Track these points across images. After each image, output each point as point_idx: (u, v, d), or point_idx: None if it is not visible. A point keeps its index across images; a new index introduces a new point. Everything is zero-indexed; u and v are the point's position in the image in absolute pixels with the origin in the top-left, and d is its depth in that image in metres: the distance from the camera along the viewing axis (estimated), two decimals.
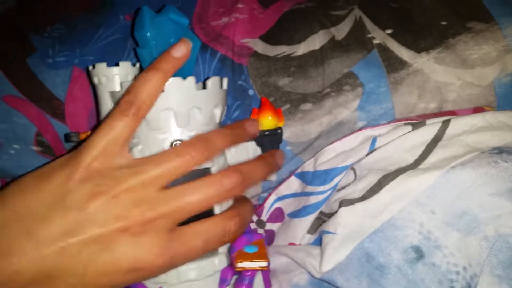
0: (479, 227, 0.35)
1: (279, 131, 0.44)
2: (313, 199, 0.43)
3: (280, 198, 0.47)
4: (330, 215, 0.41)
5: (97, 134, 0.33)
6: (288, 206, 0.47)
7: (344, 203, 0.40)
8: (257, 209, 0.48)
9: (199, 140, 0.35)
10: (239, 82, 0.48)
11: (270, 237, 0.48)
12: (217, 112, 0.39)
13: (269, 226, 0.48)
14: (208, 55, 0.48)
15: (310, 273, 0.41)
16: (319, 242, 0.41)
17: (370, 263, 0.38)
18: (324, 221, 0.42)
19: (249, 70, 0.48)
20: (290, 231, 0.46)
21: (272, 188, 0.48)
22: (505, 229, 0.35)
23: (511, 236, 0.34)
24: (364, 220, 0.39)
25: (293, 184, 0.46)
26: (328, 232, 0.40)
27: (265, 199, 0.48)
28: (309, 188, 0.45)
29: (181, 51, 0.37)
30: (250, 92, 0.48)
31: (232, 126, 0.39)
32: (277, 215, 0.48)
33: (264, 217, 0.48)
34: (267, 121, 0.43)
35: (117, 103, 0.34)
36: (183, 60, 0.37)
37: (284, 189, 0.47)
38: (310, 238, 0.45)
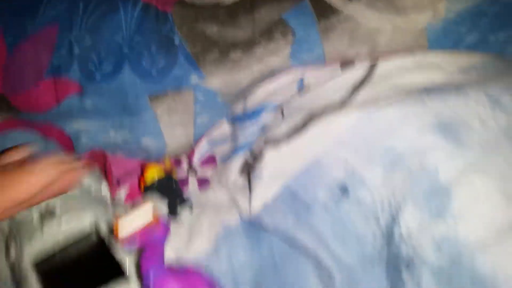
0: (403, 162, 0.36)
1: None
2: (242, 139, 0.43)
3: (212, 144, 0.46)
4: (258, 155, 0.41)
5: None
6: (219, 151, 0.47)
7: (269, 143, 0.40)
8: (189, 154, 0.48)
9: None
10: (164, 31, 0.46)
11: (204, 184, 0.47)
12: None
13: (201, 173, 0.47)
14: (130, 3, 0.46)
15: (240, 213, 0.41)
16: (248, 184, 0.41)
17: (295, 202, 0.38)
18: (254, 161, 0.42)
19: (175, 18, 0.46)
20: (223, 174, 0.45)
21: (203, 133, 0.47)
22: (428, 162, 0.35)
23: (431, 168, 0.34)
24: (289, 161, 0.38)
25: (224, 129, 0.46)
26: (255, 175, 0.39)
27: (196, 143, 0.47)
28: (239, 129, 0.44)
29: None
30: (176, 41, 0.46)
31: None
32: (209, 162, 0.47)
33: (196, 163, 0.47)
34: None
35: None
36: None
37: (215, 134, 0.46)
38: (243, 179, 0.44)
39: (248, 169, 0.43)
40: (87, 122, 0.45)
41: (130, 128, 0.45)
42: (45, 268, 0.33)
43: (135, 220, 0.28)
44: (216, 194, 0.44)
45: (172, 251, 0.39)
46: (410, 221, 0.34)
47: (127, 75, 0.42)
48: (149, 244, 0.30)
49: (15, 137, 0.45)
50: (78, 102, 0.43)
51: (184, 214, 0.42)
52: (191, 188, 0.46)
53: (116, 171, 0.47)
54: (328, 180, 0.38)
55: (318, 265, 0.37)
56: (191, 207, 0.41)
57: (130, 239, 0.27)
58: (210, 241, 0.39)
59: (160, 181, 0.43)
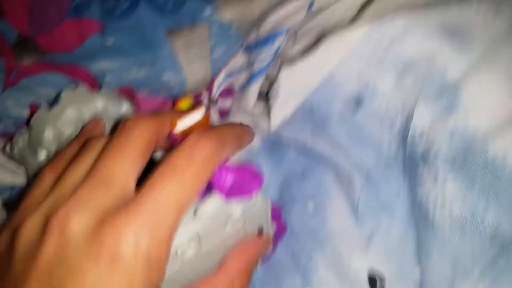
0: (413, 67, 0.37)
1: None
2: (257, 66, 0.44)
3: (229, 75, 0.49)
4: (274, 78, 0.43)
5: None
6: (236, 81, 0.49)
7: (285, 63, 0.42)
8: (208, 86, 0.50)
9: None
10: None
11: (224, 116, 0.49)
12: None
13: (220, 103, 0.50)
14: None
15: (261, 134, 0.43)
16: (267, 106, 0.43)
17: (313, 117, 0.40)
18: (270, 85, 0.44)
19: None
20: (242, 101, 0.47)
21: (220, 68, 0.49)
22: (436, 64, 0.36)
23: (440, 69, 0.36)
24: (304, 78, 0.40)
25: (239, 60, 0.48)
26: (272, 95, 0.42)
27: (215, 77, 0.49)
28: (253, 57, 0.46)
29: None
30: None
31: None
32: (228, 93, 0.50)
33: (215, 95, 0.50)
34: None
35: None
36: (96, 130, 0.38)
37: (231, 66, 0.48)
38: (261, 104, 0.46)
39: (266, 93, 0.45)
40: (110, 61, 0.47)
41: (151, 64, 0.47)
42: None
43: (190, 119, 0.30)
44: (236, 121, 0.46)
45: None
46: (423, 120, 0.36)
47: (143, 9, 0.44)
48: None
49: (44, 80, 0.47)
50: (100, 41, 0.45)
51: None
52: (213, 120, 0.48)
53: (144, 108, 0.49)
54: (343, 93, 0.40)
55: (338, 172, 0.40)
56: None
57: (184, 136, 0.29)
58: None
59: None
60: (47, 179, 0.28)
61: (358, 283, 0.37)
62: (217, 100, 0.50)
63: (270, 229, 0.34)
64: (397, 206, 0.38)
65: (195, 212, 0.27)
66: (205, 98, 0.50)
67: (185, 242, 0.26)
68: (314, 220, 0.40)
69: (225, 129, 0.29)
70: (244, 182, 0.28)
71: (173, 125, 0.29)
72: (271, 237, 0.35)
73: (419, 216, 0.37)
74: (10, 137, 0.47)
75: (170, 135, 0.29)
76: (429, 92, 0.36)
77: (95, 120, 0.39)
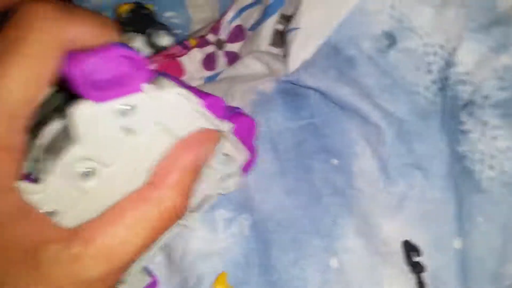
0: None
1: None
2: None
3: (240, 12, 0.43)
4: (294, 13, 0.37)
5: None
6: (248, 19, 0.43)
7: None
8: (215, 26, 0.44)
9: None
10: None
11: (233, 59, 0.44)
12: None
13: (229, 47, 0.44)
14: None
15: (276, 79, 0.37)
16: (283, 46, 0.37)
17: (338, 56, 0.35)
18: (287, 23, 0.38)
19: None
20: (254, 43, 0.41)
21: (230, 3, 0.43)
22: None
23: None
24: (330, 8, 0.34)
25: None
26: (291, 30, 0.36)
27: (223, 14, 0.43)
28: None
29: None
30: None
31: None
32: (238, 34, 0.44)
33: (223, 36, 0.44)
34: None
35: None
36: None
37: (242, 1, 0.42)
38: (275, 46, 0.41)
39: (282, 32, 0.39)
40: None
41: (154, 1, 0.42)
42: None
43: None
44: (247, 65, 0.41)
45: None
46: (468, 59, 0.31)
47: None
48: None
49: None
50: None
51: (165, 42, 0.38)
52: (220, 63, 0.43)
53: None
54: (373, 29, 0.34)
55: (364, 121, 0.34)
56: (172, 34, 0.37)
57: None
58: (245, 106, 0.36)
59: (133, 11, 0.38)
60: None
61: (390, 254, 0.32)
62: (225, 42, 0.44)
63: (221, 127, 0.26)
64: (434, 164, 0.33)
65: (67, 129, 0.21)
66: (210, 39, 0.44)
67: (77, 171, 0.21)
68: (339, 177, 0.34)
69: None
70: (120, 75, 0.20)
71: None
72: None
73: (461, 176, 0.31)
74: None
75: None
76: (475, 27, 0.31)
77: None
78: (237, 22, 0.43)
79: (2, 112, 0.19)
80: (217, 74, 0.42)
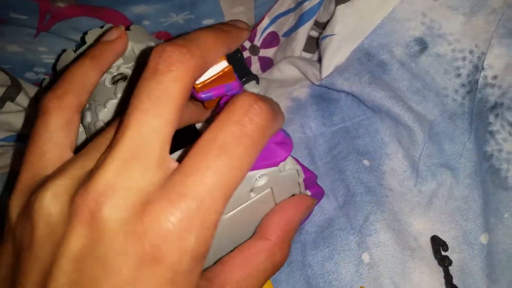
0: (485, 3, 0.33)
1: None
2: (307, 5, 0.40)
3: (274, 19, 0.44)
4: (326, 24, 0.39)
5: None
6: (282, 26, 0.45)
7: (340, 1, 0.37)
8: (251, 35, 0.46)
9: (184, 43, 0.21)
10: None
11: (267, 64, 0.46)
12: None
13: (263, 53, 0.46)
14: None
15: (311, 82, 0.39)
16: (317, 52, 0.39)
17: (371, 61, 0.36)
18: (322, 30, 0.40)
19: None
20: (288, 48, 0.43)
21: (265, 12, 0.45)
22: None
23: None
24: (364, 16, 0.36)
25: (286, 2, 0.43)
26: (325, 36, 0.38)
27: (258, 22, 0.45)
28: None
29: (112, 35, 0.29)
30: None
31: (223, 24, 0.26)
32: (271, 40, 0.46)
33: (258, 42, 0.46)
34: None
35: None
36: (118, 44, 0.29)
37: (277, 9, 0.44)
38: (310, 52, 0.43)
39: (316, 39, 0.41)
40: (146, 5, 0.44)
41: (191, 9, 0.44)
42: None
43: (212, 71, 0.27)
44: (281, 71, 0.43)
45: None
46: (496, 63, 0.32)
47: None
48: (226, 95, 0.28)
49: (78, 25, 0.45)
50: None
51: (251, 89, 0.41)
52: (254, 69, 0.45)
53: None
54: (405, 35, 0.36)
55: (396, 123, 0.36)
56: (257, 82, 0.40)
57: (206, 87, 0.25)
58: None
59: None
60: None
61: (419, 249, 0.34)
62: (259, 48, 0.46)
63: None
64: (462, 163, 0.34)
65: None
66: (246, 45, 0.46)
67: None
68: (370, 177, 0.36)
69: (270, 100, 0.23)
70: (271, 150, 0.24)
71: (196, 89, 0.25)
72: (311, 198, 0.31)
73: (488, 175, 0.33)
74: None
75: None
76: (504, 32, 0.32)
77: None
78: (271, 29, 0.45)
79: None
80: None
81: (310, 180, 0.31)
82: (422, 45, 0.35)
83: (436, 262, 0.34)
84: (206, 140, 0.19)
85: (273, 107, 0.21)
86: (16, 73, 0.45)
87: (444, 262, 0.33)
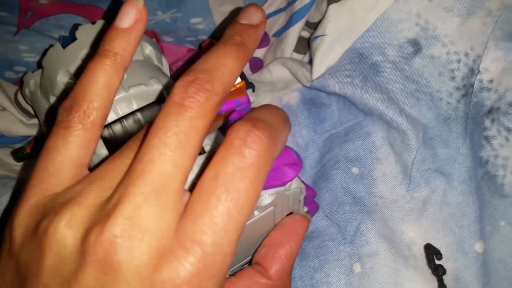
0: (482, 4, 0.32)
1: None
2: (298, 4, 0.39)
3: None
4: (318, 24, 0.37)
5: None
6: (272, 26, 0.43)
7: (332, 1, 0.36)
8: None
9: (208, 79, 0.20)
10: None
11: (256, 65, 0.44)
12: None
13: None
14: None
15: (301, 84, 0.38)
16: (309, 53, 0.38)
17: (363, 62, 0.35)
18: (313, 31, 0.38)
19: None
20: (278, 49, 0.42)
21: None
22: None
23: None
24: (356, 16, 0.35)
25: (277, 1, 0.42)
26: (317, 37, 0.36)
27: None
28: None
29: (129, 17, 0.23)
30: None
31: (240, 31, 0.23)
32: (261, 40, 0.44)
33: None
34: None
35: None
36: (137, 31, 0.23)
37: (267, 8, 0.43)
38: (301, 53, 0.41)
39: (307, 39, 0.40)
40: None
41: (179, 7, 0.43)
42: (109, 134, 0.31)
43: None
44: (271, 72, 0.41)
45: None
46: (493, 67, 0.31)
47: None
48: (235, 110, 0.27)
49: (61, 22, 0.43)
50: None
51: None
52: (243, 70, 0.43)
53: (167, 58, 0.45)
54: (398, 36, 0.35)
55: (389, 126, 0.35)
56: (253, 90, 0.38)
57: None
58: None
59: None
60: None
61: (412, 257, 0.32)
62: None
63: (301, 212, 0.30)
64: (456, 169, 0.33)
65: None
66: None
67: None
68: (360, 185, 0.35)
69: (271, 116, 0.22)
70: (280, 170, 0.24)
71: None
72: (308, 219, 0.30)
73: (484, 181, 0.32)
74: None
75: None
76: (501, 35, 0.31)
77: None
78: None
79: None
80: None
81: (311, 198, 0.30)
82: (416, 46, 0.34)
83: (430, 271, 0.32)
84: (210, 177, 0.19)
85: (273, 128, 0.20)
86: None
87: (438, 271, 0.32)
